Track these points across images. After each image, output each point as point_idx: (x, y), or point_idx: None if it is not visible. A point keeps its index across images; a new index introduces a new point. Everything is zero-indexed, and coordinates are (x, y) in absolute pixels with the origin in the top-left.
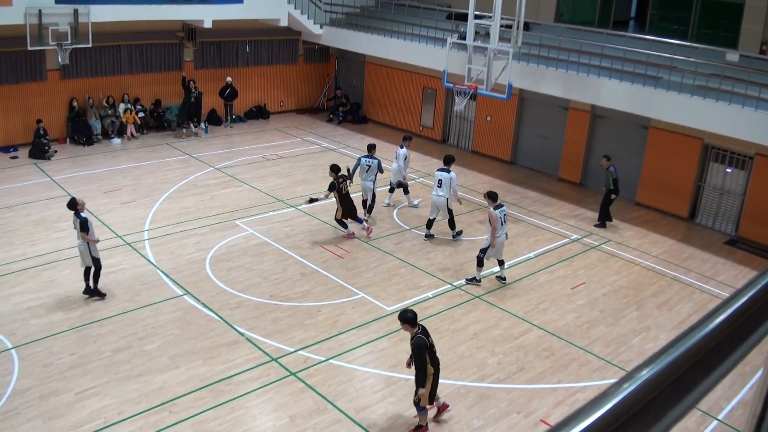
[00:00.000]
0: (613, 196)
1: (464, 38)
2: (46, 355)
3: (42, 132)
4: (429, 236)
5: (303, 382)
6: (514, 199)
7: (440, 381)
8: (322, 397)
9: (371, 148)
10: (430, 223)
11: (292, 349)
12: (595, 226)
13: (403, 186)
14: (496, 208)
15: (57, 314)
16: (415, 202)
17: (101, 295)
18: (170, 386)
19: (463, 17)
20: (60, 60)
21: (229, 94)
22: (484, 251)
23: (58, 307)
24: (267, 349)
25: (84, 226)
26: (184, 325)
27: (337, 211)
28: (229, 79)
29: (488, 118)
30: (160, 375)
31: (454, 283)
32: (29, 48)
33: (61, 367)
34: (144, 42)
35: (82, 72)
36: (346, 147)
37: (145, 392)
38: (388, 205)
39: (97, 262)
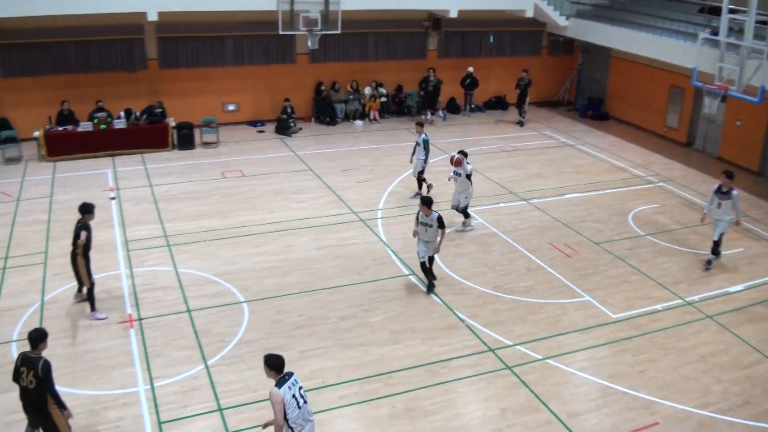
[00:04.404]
0: None
1: (716, 34)
2: (275, 313)
3: (289, 110)
4: (709, 262)
5: (518, 377)
6: (759, 215)
7: (659, 401)
8: (535, 395)
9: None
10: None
11: (510, 343)
12: None
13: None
14: (280, 383)
15: (290, 277)
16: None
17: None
18: (388, 360)
19: (717, 11)
20: (309, 45)
21: (469, 83)
22: None
23: (292, 270)
24: (485, 338)
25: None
26: (407, 304)
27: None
28: (470, 68)
29: (737, 123)
30: (379, 348)
31: (687, 299)
32: (281, 32)
33: (288, 325)
34: (390, 30)
35: (330, 57)
36: (584, 144)
37: (364, 361)
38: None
39: None
